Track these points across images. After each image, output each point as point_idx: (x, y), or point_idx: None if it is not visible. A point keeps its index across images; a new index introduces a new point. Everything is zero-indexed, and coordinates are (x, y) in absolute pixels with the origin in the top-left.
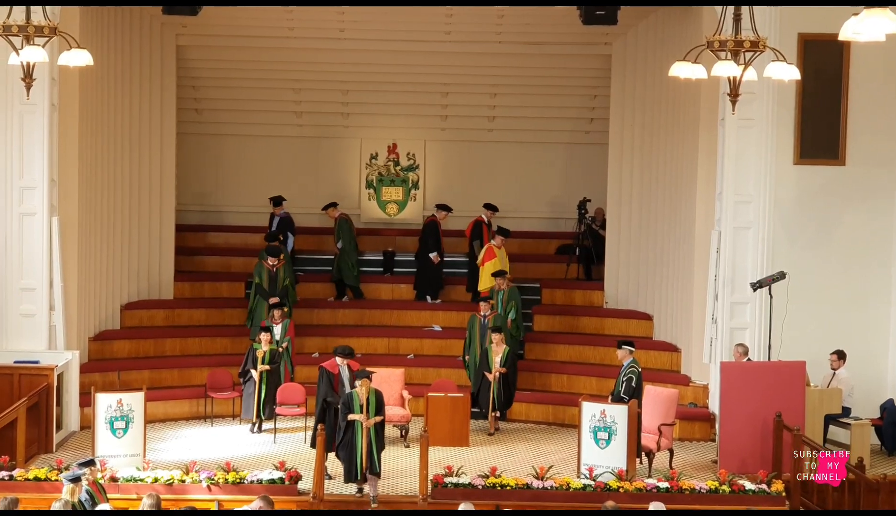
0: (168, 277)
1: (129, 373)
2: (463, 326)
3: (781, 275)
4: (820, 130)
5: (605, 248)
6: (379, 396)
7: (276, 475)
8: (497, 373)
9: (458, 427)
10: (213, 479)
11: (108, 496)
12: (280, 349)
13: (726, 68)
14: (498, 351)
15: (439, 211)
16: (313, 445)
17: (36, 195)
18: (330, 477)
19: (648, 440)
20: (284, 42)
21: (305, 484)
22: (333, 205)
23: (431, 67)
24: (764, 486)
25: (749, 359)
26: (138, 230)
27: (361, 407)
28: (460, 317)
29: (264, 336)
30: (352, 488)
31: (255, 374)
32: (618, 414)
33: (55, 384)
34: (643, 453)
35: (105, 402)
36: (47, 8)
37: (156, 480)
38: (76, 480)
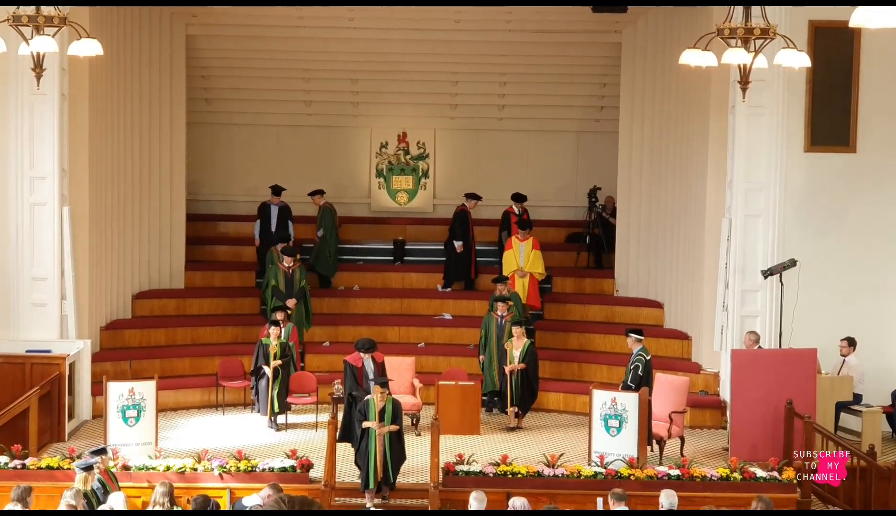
0: (179, 267)
1: (141, 362)
2: (474, 315)
3: (792, 263)
4: (831, 118)
5: (615, 236)
6: (396, 406)
7: (288, 463)
8: (516, 369)
9: (468, 415)
10: (224, 467)
11: (120, 484)
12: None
13: (737, 56)
14: (518, 345)
15: (469, 200)
16: (340, 440)
17: (46, 185)
18: None
19: (659, 428)
20: (294, 31)
21: (317, 472)
22: (320, 192)
23: (441, 56)
24: (775, 474)
25: (760, 347)
26: (149, 219)
27: (377, 415)
28: (471, 306)
29: (273, 330)
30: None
31: (268, 371)
32: (629, 401)
33: (67, 373)
34: (654, 441)
35: (117, 391)
36: None
37: (168, 468)
38: (88, 469)
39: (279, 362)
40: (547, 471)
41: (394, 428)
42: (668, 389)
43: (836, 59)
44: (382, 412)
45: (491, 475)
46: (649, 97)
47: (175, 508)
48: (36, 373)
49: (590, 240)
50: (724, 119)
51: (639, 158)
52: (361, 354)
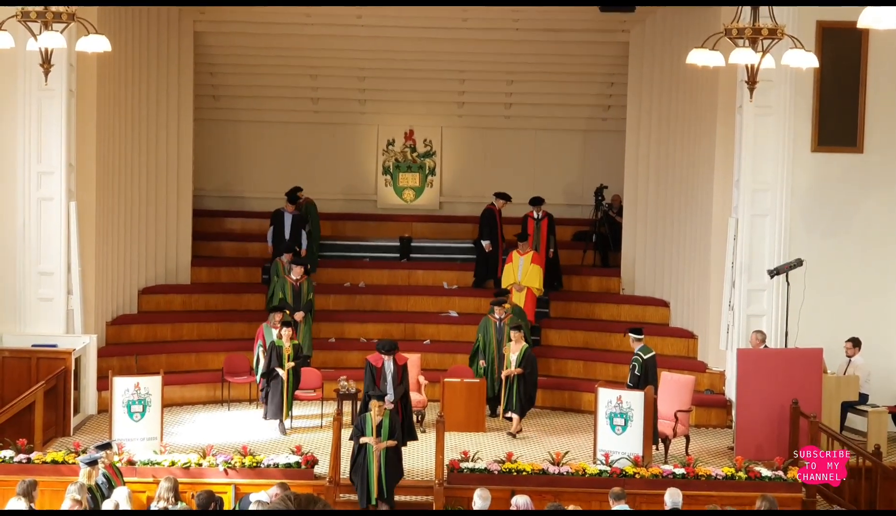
0: (185, 262)
1: (146, 357)
2: (480, 312)
3: (799, 263)
4: (838, 118)
5: (621, 235)
6: (394, 420)
7: (293, 459)
8: (513, 374)
9: (473, 412)
10: (229, 463)
11: (125, 479)
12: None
13: (744, 56)
14: (515, 349)
15: (498, 199)
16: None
17: (54, 180)
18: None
19: (665, 426)
20: (301, 28)
21: (322, 468)
22: (298, 189)
23: (448, 54)
24: (780, 473)
25: (766, 346)
26: (155, 215)
27: (374, 430)
28: (477, 303)
29: (286, 332)
30: None
31: (282, 373)
32: (634, 400)
33: (73, 368)
34: (659, 439)
35: (122, 386)
36: None
37: (173, 464)
38: (93, 463)
39: (293, 364)
40: (552, 469)
41: (391, 443)
42: (673, 388)
43: (843, 60)
44: (380, 427)
45: (495, 472)
46: (657, 96)
47: (180, 504)
48: (42, 368)
49: (596, 238)
50: (731, 119)
51: (646, 157)
52: (382, 355)
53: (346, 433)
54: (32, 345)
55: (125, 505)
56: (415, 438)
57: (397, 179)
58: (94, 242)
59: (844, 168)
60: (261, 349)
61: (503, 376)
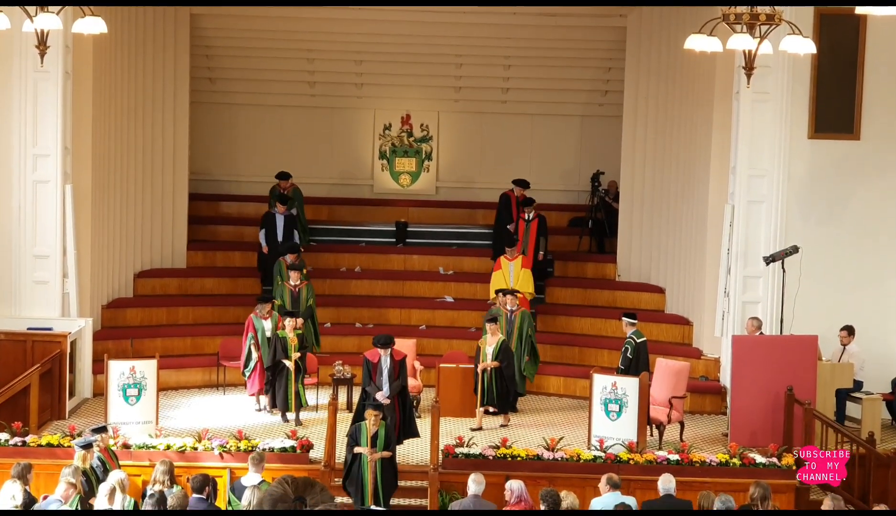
0: (181, 246)
1: (142, 341)
2: (476, 297)
3: (794, 250)
4: (835, 105)
5: (617, 221)
6: (389, 431)
7: (288, 443)
8: (489, 367)
9: (469, 398)
10: (225, 447)
11: (121, 463)
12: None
13: (742, 41)
14: (492, 341)
15: (516, 186)
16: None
17: (49, 163)
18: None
19: (659, 412)
20: (298, 11)
21: (317, 453)
22: (287, 175)
23: (445, 38)
24: (774, 460)
25: (762, 333)
26: (151, 198)
27: (368, 440)
28: (473, 289)
29: (289, 322)
30: None
31: (289, 364)
32: (629, 386)
33: (68, 351)
34: (653, 425)
35: (118, 370)
36: None
37: (168, 447)
38: (88, 447)
39: (298, 354)
40: (546, 455)
41: (386, 454)
42: (668, 374)
43: (841, 46)
44: (375, 437)
45: (490, 458)
46: (654, 82)
47: (175, 487)
48: (37, 351)
49: (592, 224)
50: (728, 104)
51: (642, 143)
52: (379, 350)
53: (341, 417)
54: (28, 329)
55: (120, 489)
56: (416, 435)
57: (393, 164)
58: (90, 225)
59: (841, 155)
60: (252, 341)
61: (479, 370)
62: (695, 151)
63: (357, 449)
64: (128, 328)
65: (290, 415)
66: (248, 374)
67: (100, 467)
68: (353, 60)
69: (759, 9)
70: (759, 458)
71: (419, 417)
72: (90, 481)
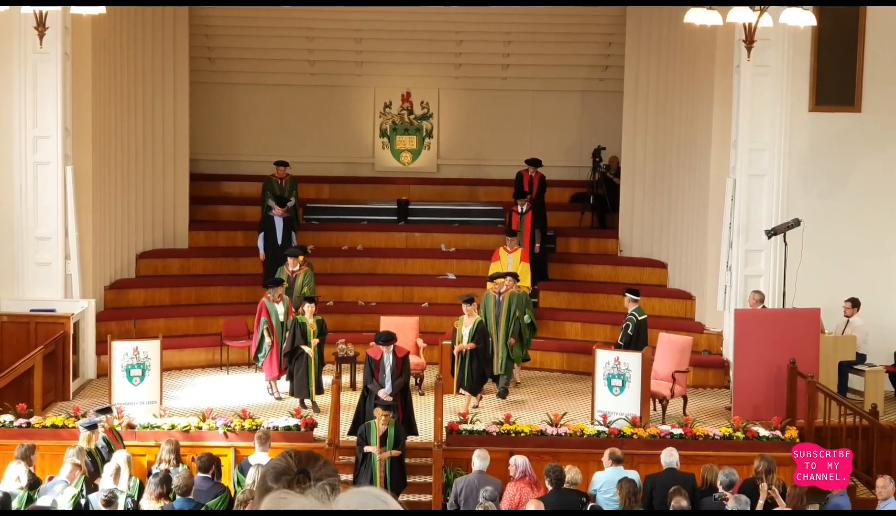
0: (183, 226)
1: (145, 321)
2: (478, 274)
3: (796, 223)
4: (836, 77)
5: (619, 197)
6: (398, 430)
7: (293, 422)
8: (465, 349)
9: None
10: (229, 426)
11: (125, 443)
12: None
13: (742, 14)
14: (468, 322)
15: (529, 166)
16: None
17: (50, 144)
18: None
19: (662, 387)
20: None
21: (321, 431)
22: (283, 164)
23: (445, 15)
24: (778, 433)
25: (764, 307)
26: (153, 179)
27: (378, 440)
28: (475, 266)
29: (308, 307)
30: None
31: (308, 350)
32: (631, 361)
33: (71, 332)
34: (656, 400)
35: (121, 350)
36: None
37: (172, 427)
38: (93, 427)
39: (318, 341)
40: (550, 430)
41: (395, 453)
42: (671, 349)
43: (841, 18)
44: (384, 437)
45: (494, 434)
46: (654, 56)
47: (181, 466)
48: (41, 332)
49: (594, 200)
50: (728, 78)
51: (643, 118)
52: (381, 347)
53: (345, 396)
54: (31, 310)
55: (125, 469)
56: (415, 433)
57: (394, 142)
58: (91, 207)
59: (842, 127)
60: (265, 326)
61: (455, 352)
62: (696, 126)
63: (367, 449)
64: (130, 309)
65: (308, 402)
66: (261, 360)
67: (104, 447)
68: (353, 38)
69: None
70: (763, 431)
71: (422, 394)
72: (95, 462)
